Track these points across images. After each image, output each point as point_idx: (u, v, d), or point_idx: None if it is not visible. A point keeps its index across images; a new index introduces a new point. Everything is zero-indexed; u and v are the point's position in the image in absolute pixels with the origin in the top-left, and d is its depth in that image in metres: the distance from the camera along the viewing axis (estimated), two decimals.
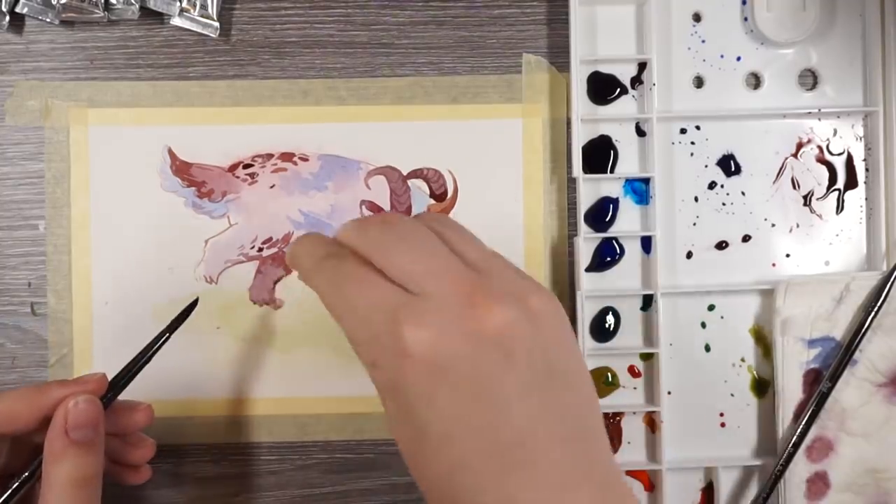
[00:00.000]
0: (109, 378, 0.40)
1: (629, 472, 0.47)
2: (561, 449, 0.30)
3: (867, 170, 0.48)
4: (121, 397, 0.40)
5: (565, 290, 0.47)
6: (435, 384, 0.30)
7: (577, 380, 0.32)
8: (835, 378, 0.45)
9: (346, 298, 0.32)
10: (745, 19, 0.47)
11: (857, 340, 0.45)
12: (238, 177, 0.47)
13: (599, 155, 0.47)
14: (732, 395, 0.47)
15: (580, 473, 0.29)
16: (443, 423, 0.30)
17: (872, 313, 0.45)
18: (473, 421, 0.29)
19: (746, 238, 0.48)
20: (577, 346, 0.33)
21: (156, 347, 0.40)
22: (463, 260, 0.32)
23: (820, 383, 0.45)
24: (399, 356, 0.30)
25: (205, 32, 0.47)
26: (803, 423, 0.45)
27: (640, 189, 0.47)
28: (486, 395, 0.29)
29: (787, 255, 0.48)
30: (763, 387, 0.47)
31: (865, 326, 0.45)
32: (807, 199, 0.48)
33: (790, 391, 0.46)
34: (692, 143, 0.48)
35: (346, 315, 0.32)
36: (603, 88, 0.47)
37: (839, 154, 0.48)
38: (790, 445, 0.45)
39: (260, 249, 0.47)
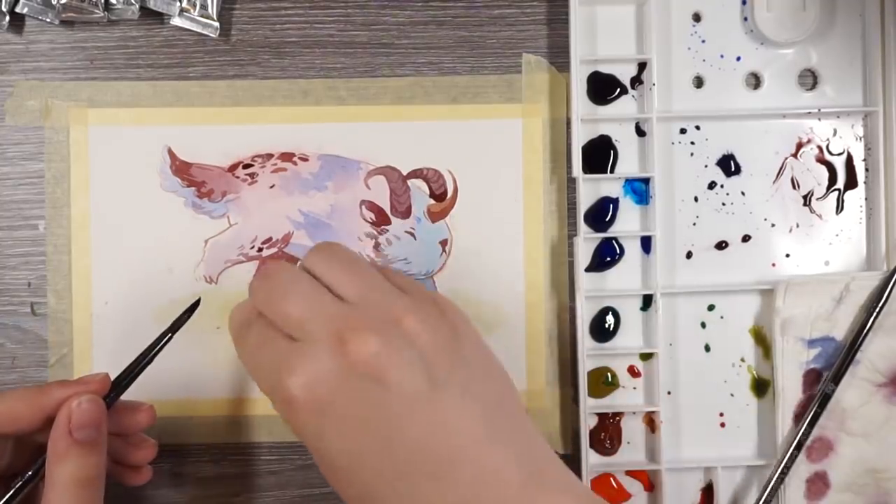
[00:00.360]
0: (111, 378, 0.40)
1: (629, 473, 0.47)
2: (475, 448, 0.31)
3: (867, 170, 0.48)
4: (122, 398, 0.40)
5: (565, 290, 0.47)
6: (321, 423, 0.32)
7: (479, 378, 0.33)
8: (838, 379, 0.45)
9: (253, 361, 0.34)
10: (745, 19, 0.47)
11: (859, 341, 0.45)
12: (238, 177, 0.47)
13: (599, 155, 0.47)
14: (732, 395, 0.47)
15: (501, 464, 0.31)
16: (340, 457, 0.32)
17: (874, 314, 0.45)
18: (366, 449, 0.31)
19: (746, 238, 0.48)
20: (478, 346, 0.34)
21: (158, 348, 0.41)
22: (339, 295, 0.33)
23: (819, 383, 0.46)
24: (288, 403, 0.32)
25: (205, 32, 0.47)
26: (805, 424, 0.45)
27: (640, 189, 0.47)
28: (371, 424, 0.31)
29: (787, 255, 0.48)
30: (763, 387, 0.47)
31: (867, 327, 0.45)
32: (807, 199, 0.48)
33: (790, 391, 0.46)
34: (692, 143, 0.48)
35: (256, 375, 0.34)
36: (603, 88, 0.47)
37: (839, 154, 0.48)
38: (791, 446, 0.45)
39: (260, 249, 0.47)
